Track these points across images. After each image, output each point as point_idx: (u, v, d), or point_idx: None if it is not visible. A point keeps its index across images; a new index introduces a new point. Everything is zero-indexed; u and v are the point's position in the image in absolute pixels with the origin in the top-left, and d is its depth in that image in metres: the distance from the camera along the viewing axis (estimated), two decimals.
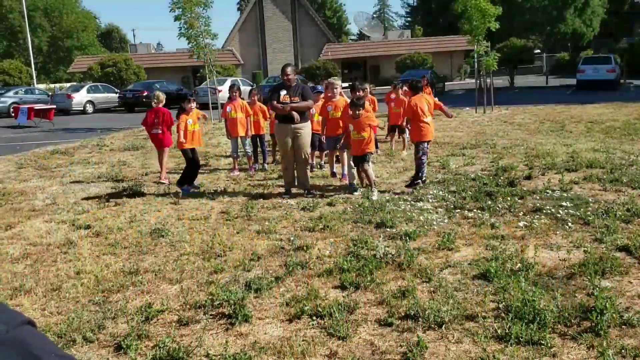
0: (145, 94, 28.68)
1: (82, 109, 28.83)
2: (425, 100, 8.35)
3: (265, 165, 10.60)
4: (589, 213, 6.33)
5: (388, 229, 6.12)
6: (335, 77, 9.24)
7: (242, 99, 10.26)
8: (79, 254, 5.76)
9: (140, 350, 3.69)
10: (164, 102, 9.65)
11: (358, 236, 5.90)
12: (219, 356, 3.56)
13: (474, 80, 23.05)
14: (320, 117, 9.11)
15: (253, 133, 10.32)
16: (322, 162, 10.16)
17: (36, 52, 52.94)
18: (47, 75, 59.93)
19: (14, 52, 55.92)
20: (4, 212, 7.68)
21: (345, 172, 8.88)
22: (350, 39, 70.18)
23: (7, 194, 8.72)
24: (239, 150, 10.16)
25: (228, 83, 29.98)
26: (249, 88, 29.22)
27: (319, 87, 10.47)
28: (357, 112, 7.72)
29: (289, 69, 7.99)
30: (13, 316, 0.94)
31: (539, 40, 54.17)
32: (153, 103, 9.59)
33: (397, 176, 9.15)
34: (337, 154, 9.04)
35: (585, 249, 5.18)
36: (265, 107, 10.38)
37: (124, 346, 3.69)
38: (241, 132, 9.89)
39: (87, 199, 8.32)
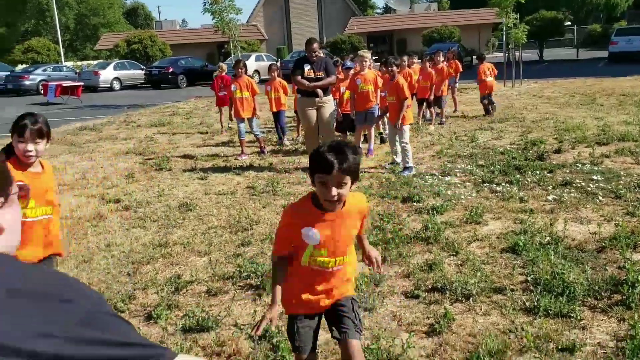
0: (170, 70, 28.81)
1: (109, 85, 29.11)
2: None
3: (286, 141, 10.30)
4: (620, 186, 6.21)
5: (415, 204, 6.09)
6: (365, 50, 8.98)
7: (250, 76, 9.69)
8: (109, 227, 5.86)
9: (170, 319, 3.76)
10: (225, 70, 12.07)
11: (384, 210, 5.88)
12: (247, 325, 3.61)
13: (502, 54, 22.58)
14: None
15: (275, 110, 10.13)
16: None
17: (63, 29, 53.38)
18: (74, 52, 60.54)
19: (41, 30, 56.49)
20: None
21: (372, 147, 8.81)
22: (376, 13, 69.23)
23: None
24: (245, 133, 9.32)
25: (253, 58, 29.99)
26: (275, 64, 29.27)
27: (348, 63, 10.00)
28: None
29: (315, 45, 7.92)
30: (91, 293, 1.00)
31: (570, 11, 52.70)
32: (217, 72, 11.35)
33: (424, 150, 9.06)
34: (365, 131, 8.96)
35: (617, 222, 5.09)
36: (285, 83, 10.23)
37: (155, 316, 3.76)
38: (247, 113, 9.06)
39: (115, 174, 8.44)
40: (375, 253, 2.78)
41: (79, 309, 0.94)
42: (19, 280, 0.94)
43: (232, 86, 9.13)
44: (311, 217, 2.39)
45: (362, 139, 9.03)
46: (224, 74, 11.95)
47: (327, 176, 2.23)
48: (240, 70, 9.08)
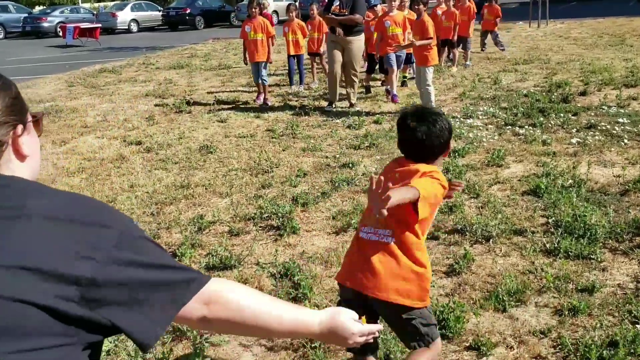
0: (187, 11, 28.37)
1: (126, 27, 28.82)
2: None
3: (301, 87, 9.94)
4: None
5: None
6: None
7: (264, 16, 9.05)
8: (131, 169, 5.93)
9: (194, 258, 3.85)
10: (268, 7, 11.12)
11: None
12: (268, 264, 3.68)
13: None
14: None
15: (292, 53, 9.72)
16: (369, 85, 9.31)
17: None
18: None
19: None
20: (58, 128, 7.92)
21: (395, 92, 8.61)
22: None
23: (60, 111, 8.95)
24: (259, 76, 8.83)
25: None
26: (293, 1, 28.60)
27: (373, 1, 9.44)
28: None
29: None
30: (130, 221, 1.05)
31: None
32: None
33: (446, 93, 8.91)
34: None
35: None
36: (303, 24, 9.85)
37: (179, 254, 3.85)
38: (261, 57, 8.58)
39: (136, 116, 8.48)
40: None
41: (116, 233, 0.96)
42: (57, 207, 0.96)
43: (246, 27, 8.62)
44: None
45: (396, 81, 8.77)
46: (266, 11, 11.02)
47: None
48: (254, 10, 8.58)
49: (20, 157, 1.03)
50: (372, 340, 1.40)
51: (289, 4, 10.47)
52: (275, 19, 25.68)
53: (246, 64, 9.12)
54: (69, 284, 0.88)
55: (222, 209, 4.71)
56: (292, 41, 9.71)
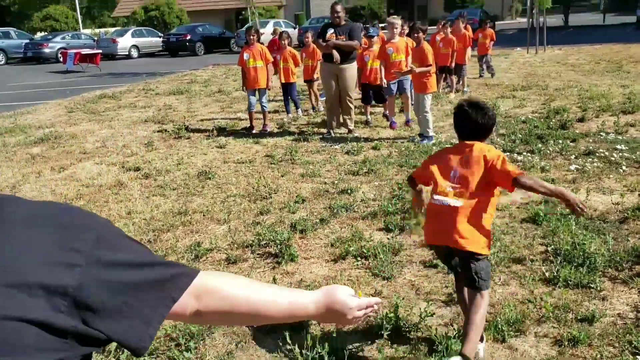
0: (188, 37, 28.65)
1: (127, 53, 29.07)
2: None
3: (299, 111, 10.00)
4: None
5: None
6: (395, 16, 8.46)
7: (262, 43, 8.90)
8: (129, 195, 5.92)
9: None
10: (279, 34, 10.66)
11: (403, 180, 5.85)
12: None
13: (526, 19, 22.05)
14: (375, 64, 8.54)
15: (283, 81, 9.67)
16: (369, 117, 9.08)
17: None
18: (92, 20, 60.38)
19: None
20: (56, 154, 7.93)
21: (410, 117, 8.60)
22: None
23: (59, 137, 8.97)
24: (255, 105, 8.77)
25: (270, 25, 29.67)
26: (292, 30, 28.89)
27: (372, 30, 9.40)
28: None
29: (338, 7, 7.79)
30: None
31: None
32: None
33: (444, 119, 8.96)
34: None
35: None
36: (296, 52, 9.87)
37: None
38: (261, 84, 8.51)
39: (135, 142, 8.50)
40: None
41: (95, 235, 0.92)
42: (34, 214, 0.92)
43: (244, 54, 8.52)
44: None
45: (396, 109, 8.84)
46: (276, 37, 11.12)
47: None
48: (252, 37, 8.50)
49: None
50: (372, 314, 1.37)
51: (282, 32, 10.46)
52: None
53: (245, 91, 9.11)
54: (56, 295, 0.83)
55: (220, 236, 4.68)
56: (284, 69, 9.67)
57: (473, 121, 2.84)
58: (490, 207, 2.79)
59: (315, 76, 9.82)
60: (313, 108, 10.37)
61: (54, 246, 0.87)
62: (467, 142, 2.88)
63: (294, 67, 9.75)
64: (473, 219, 2.72)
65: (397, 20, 8.26)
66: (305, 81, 10.34)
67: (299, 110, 10.10)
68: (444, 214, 2.76)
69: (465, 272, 2.77)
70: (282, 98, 10.30)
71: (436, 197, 2.83)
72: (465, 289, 2.84)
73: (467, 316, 2.75)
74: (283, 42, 9.81)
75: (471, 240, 2.69)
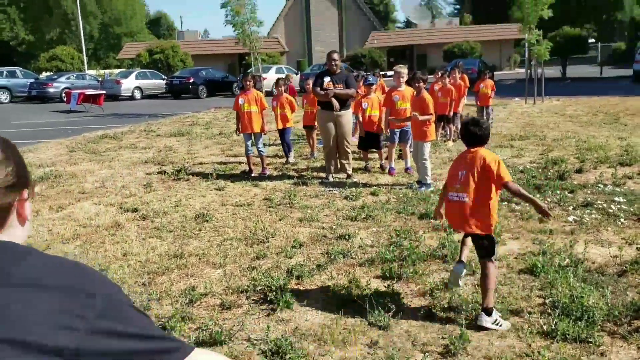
0: (191, 80, 29.08)
1: (130, 94, 29.46)
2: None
3: (291, 155, 9.92)
4: None
5: (432, 221, 6.03)
6: (401, 65, 8.65)
7: (258, 89, 9.05)
8: (126, 236, 5.90)
9: (183, 331, 3.75)
10: (293, 80, 11.17)
11: (401, 227, 5.84)
12: (260, 341, 3.59)
13: (524, 70, 22.45)
14: (373, 112, 8.71)
15: (280, 127, 9.67)
16: (368, 163, 9.12)
17: (87, 38, 54.27)
18: (97, 61, 61.46)
19: (66, 38, 57.50)
20: (55, 194, 7.93)
21: (409, 164, 8.67)
22: (397, 27, 69.45)
23: (59, 177, 9.00)
24: (250, 149, 8.77)
25: (273, 70, 30.18)
26: (294, 76, 29.33)
27: (371, 79, 9.54)
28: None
29: (335, 55, 7.98)
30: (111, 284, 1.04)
31: (594, 28, 52.32)
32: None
33: (442, 167, 9.00)
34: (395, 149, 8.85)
35: (638, 245, 4.99)
36: (292, 99, 9.90)
37: (168, 327, 3.76)
38: (255, 128, 8.54)
39: (134, 183, 8.51)
40: None
41: (100, 302, 0.96)
42: (43, 274, 0.95)
43: (240, 99, 8.61)
44: None
45: (395, 156, 8.93)
46: (290, 83, 11.52)
47: None
48: (248, 83, 8.64)
49: (22, 220, 1.05)
50: None
51: (278, 79, 10.47)
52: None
53: (238, 135, 9.18)
54: (52, 356, 0.86)
55: (215, 280, 4.64)
56: (280, 115, 9.67)
57: (472, 133, 3.81)
58: (492, 195, 3.68)
59: (315, 123, 9.87)
60: (312, 154, 10.40)
61: (59, 309, 0.91)
62: (472, 149, 3.82)
63: (290, 113, 9.76)
64: (478, 207, 3.67)
65: (404, 70, 8.45)
66: (304, 127, 10.42)
67: (291, 154, 10.04)
68: (456, 206, 3.76)
69: (477, 248, 3.80)
70: (280, 142, 10.34)
71: (449, 193, 3.86)
72: (470, 246, 3.99)
73: (481, 285, 3.74)
74: (279, 88, 9.82)
75: (478, 225, 3.67)
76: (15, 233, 1.02)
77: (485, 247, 3.70)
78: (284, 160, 10.01)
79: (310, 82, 10.04)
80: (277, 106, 9.76)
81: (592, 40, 50.17)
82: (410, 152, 8.54)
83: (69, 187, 8.33)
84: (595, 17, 50.33)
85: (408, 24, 55.97)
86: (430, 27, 49.80)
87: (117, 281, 4.65)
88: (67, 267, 1.00)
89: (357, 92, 8.41)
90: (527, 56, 19.83)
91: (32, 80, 30.25)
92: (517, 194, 3.69)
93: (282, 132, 9.85)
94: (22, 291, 0.90)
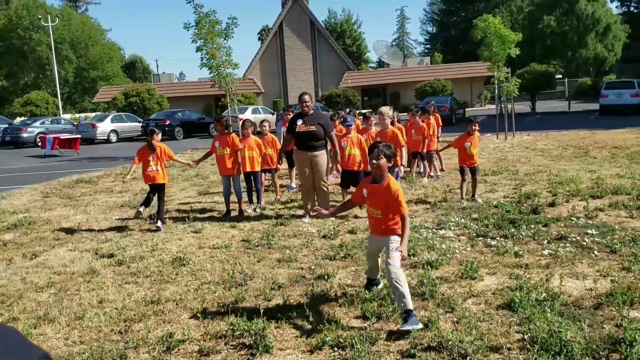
0: (167, 122, 29.11)
1: (106, 138, 29.37)
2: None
3: (259, 207, 9.31)
4: (615, 241, 6.21)
5: (410, 257, 6.06)
6: (386, 107, 8.85)
7: (235, 132, 9.24)
8: (101, 283, 5.80)
9: None
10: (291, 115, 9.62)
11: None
12: None
13: (494, 106, 22.98)
14: (353, 151, 8.63)
15: (249, 170, 9.15)
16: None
17: (62, 83, 54.24)
18: (72, 105, 61.27)
19: (41, 83, 57.38)
20: (29, 241, 7.79)
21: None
22: (370, 67, 70.72)
23: (33, 223, 8.85)
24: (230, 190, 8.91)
25: (249, 111, 30.39)
26: (270, 116, 29.51)
27: (349, 119, 9.24)
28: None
29: (306, 97, 8.11)
30: (31, 352, 0.96)
31: (560, 65, 53.99)
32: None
33: (417, 204, 9.09)
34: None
35: (613, 278, 5.07)
36: (260, 141, 9.47)
37: None
38: (231, 171, 8.80)
39: (110, 228, 8.41)
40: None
41: None
42: None
43: (216, 142, 8.84)
44: None
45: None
46: (288, 116, 11.01)
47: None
48: (220, 127, 8.95)
49: None
50: None
51: (244, 121, 9.95)
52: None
53: (197, 164, 9.19)
54: None
55: (193, 326, 4.57)
56: (249, 157, 9.16)
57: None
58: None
59: (278, 165, 9.58)
60: (277, 199, 10.03)
61: None
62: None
63: (258, 155, 9.30)
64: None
65: (390, 111, 8.69)
66: (263, 171, 9.84)
67: (260, 202, 9.45)
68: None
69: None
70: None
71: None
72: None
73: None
74: (246, 131, 9.30)
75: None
76: None
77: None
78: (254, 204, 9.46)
79: (266, 124, 10.12)
80: (244, 148, 9.16)
81: (559, 76, 51.70)
82: None
83: (43, 233, 8.19)
84: (561, 54, 52.03)
85: (381, 63, 57.03)
86: (402, 66, 50.82)
87: (92, 329, 4.56)
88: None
89: (334, 133, 8.47)
90: (497, 93, 20.32)
91: (6, 125, 29.99)
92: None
93: (250, 176, 9.37)
94: None
